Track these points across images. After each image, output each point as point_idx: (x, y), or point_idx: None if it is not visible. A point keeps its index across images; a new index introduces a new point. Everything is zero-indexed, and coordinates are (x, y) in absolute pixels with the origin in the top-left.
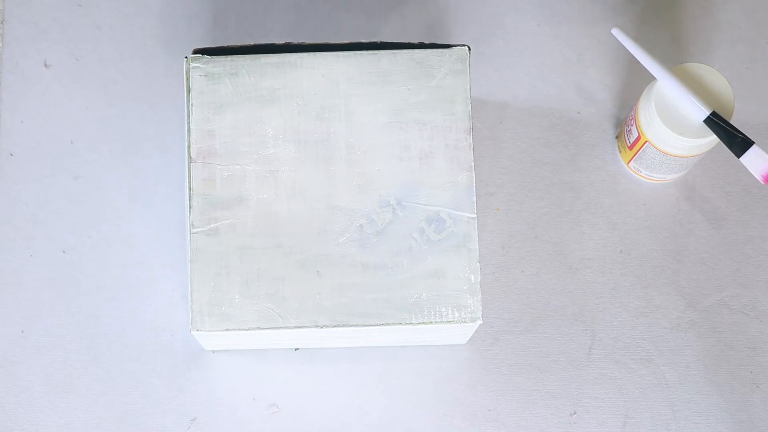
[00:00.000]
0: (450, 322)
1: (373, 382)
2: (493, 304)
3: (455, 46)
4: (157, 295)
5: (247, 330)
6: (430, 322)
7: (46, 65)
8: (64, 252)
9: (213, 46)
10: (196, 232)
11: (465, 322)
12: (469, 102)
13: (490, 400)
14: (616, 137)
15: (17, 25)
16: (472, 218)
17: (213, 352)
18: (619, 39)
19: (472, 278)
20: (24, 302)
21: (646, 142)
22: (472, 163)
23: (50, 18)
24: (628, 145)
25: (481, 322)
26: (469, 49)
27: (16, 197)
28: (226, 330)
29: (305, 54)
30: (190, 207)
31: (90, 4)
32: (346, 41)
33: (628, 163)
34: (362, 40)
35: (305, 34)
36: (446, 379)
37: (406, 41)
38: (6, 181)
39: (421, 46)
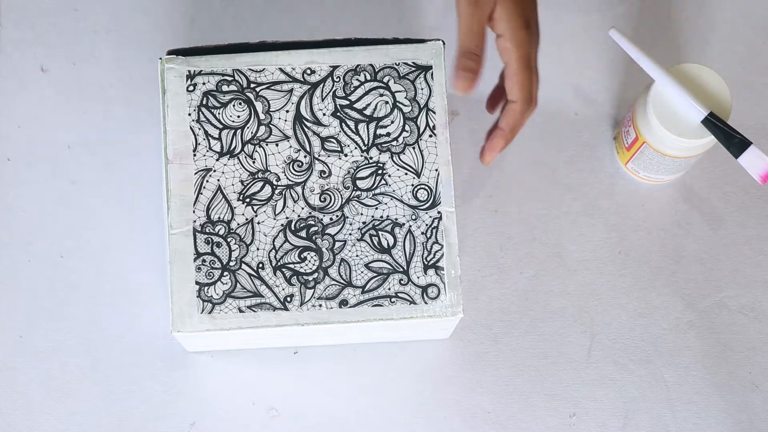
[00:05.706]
0: (431, 316)
1: (372, 384)
2: (492, 305)
3: (430, 40)
4: (156, 299)
5: (228, 330)
6: (411, 317)
7: (42, 70)
8: (62, 257)
9: (187, 47)
10: (174, 233)
11: (446, 316)
12: (445, 96)
13: (490, 402)
14: (614, 138)
15: (14, 29)
16: (451, 212)
17: (211, 356)
18: (616, 40)
19: (453, 272)
20: (22, 307)
21: (643, 143)
22: (449, 158)
23: (47, 23)
24: (626, 146)
25: (462, 315)
26: (444, 44)
27: (14, 202)
28: (207, 330)
29: (280, 52)
30: (168, 208)
31: (86, 9)
32: (320, 39)
33: (626, 164)
34: (337, 38)
35: (280, 33)
36: (445, 381)
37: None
38: (3, 186)
39: (396, 41)
